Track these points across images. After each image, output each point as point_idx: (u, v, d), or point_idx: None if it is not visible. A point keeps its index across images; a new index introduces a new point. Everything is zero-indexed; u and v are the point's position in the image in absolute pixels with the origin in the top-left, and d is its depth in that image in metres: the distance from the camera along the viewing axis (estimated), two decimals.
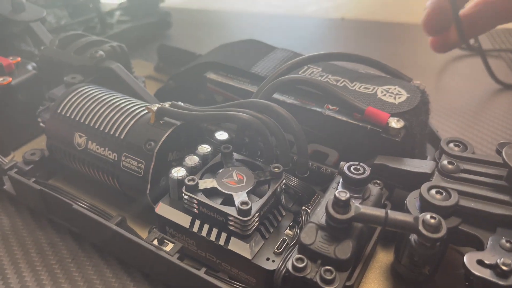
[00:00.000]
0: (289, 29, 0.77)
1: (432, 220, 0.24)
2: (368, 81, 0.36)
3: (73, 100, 0.37)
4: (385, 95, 0.35)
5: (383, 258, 0.33)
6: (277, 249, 0.29)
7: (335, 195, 0.25)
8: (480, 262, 0.24)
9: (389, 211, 0.25)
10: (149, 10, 0.70)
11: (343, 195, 0.25)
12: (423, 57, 0.65)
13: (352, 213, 0.25)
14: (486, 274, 0.24)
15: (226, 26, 0.80)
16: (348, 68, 0.38)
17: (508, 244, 0.25)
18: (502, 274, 0.23)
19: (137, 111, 0.35)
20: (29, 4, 0.49)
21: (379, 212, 0.25)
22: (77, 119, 0.36)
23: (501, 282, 0.23)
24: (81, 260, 0.34)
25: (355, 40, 0.73)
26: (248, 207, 0.28)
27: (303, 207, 0.32)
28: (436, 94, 0.55)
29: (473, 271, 0.24)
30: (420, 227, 0.24)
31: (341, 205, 0.25)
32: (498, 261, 0.24)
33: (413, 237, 0.26)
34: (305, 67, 0.38)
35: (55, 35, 0.48)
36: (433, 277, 0.30)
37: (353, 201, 0.26)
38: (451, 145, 0.31)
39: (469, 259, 0.25)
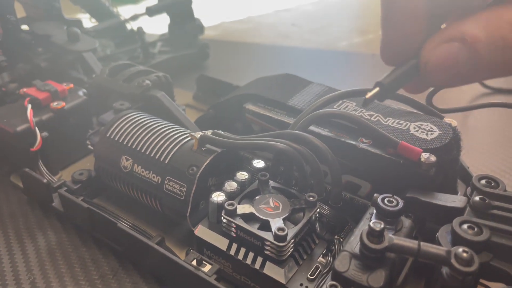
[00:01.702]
0: (321, 63, 0.80)
1: (465, 254, 0.25)
2: (400, 117, 0.38)
3: (121, 125, 0.40)
4: (417, 131, 0.36)
5: None
6: (310, 275, 0.30)
7: (369, 225, 0.26)
8: None
9: (421, 243, 0.26)
10: (188, 41, 0.74)
11: (378, 225, 0.26)
12: (453, 93, 0.66)
13: (385, 243, 0.26)
14: None
15: (259, 58, 0.83)
16: (381, 104, 0.40)
17: None
18: None
19: (181, 137, 0.37)
20: (84, 35, 0.53)
21: (412, 244, 0.26)
22: (124, 143, 0.38)
23: None
24: (121, 276, 0.36)
25: None
26: (285, 233, 0.29)
27: (336, 236, 0.33)
28: (467, 130, 0.56)
29: None
30: (453, 260, 0.25)
31: (376, 235, 0.26)
32: None
33: (444, 269, 0.27)
34: (340, 102, 0.40)
35: (104, 64, 0.52)
36: None
37: (386, 232, 0.27)
38: (483, 181, 0.32)
39: None
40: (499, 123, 0.58)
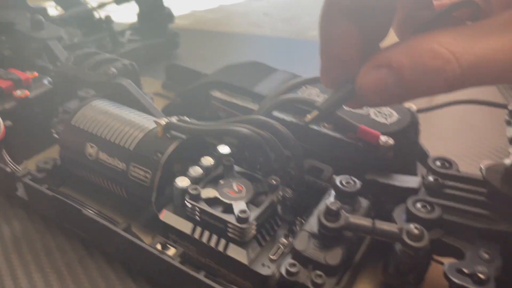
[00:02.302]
0: (292, 52, 0.80)
1: (416, 231, 0.26)
2: None
3: (86, 112, 0.39)
4: (377, 116, 0.37)
5: (373, 269, 0.34)
6: (272, 255, 0.31)
7: (326, 205, 0.27)
8: (459, 271, 0.26)
9: (376, 221, 0.27)
10: (158, 30, 0.74)
11: (334, 205, 0.27)
12: None
13: (342, 222, 0.27)
14: (465, 282, 0.26)
15: (231, 47, 0.83)
16: None
17: (485, 255, 0.27)
18: (479, 282, 0.25)
19: (146, 124, 0.37)
20: (48, 23, 0.52)
21: (367, 222, 0.27)
22: (89, 130, 0.38)
23: None
24: (87, 263, 0.36)
25: None
26: (246, 215, 0.30)
27: (298, 218, 0.34)
28: (430, 116, 0.58)
29: (453, 279, 0.26)
30: (404, 237, 0.26)
31: (332, 215, 0.27)
32: (476, 269, 0.26)
33: (398, 246, 0.28)
34: (304, 88, 0.41)
35: (69, 52, 0.51)
36: (418, 286, 0.31)
37: (344, 211, 0.28)
38: (437, 162, 0.34)
39: (450, 268, 0.27)
40: (462, 111, 0.60)
